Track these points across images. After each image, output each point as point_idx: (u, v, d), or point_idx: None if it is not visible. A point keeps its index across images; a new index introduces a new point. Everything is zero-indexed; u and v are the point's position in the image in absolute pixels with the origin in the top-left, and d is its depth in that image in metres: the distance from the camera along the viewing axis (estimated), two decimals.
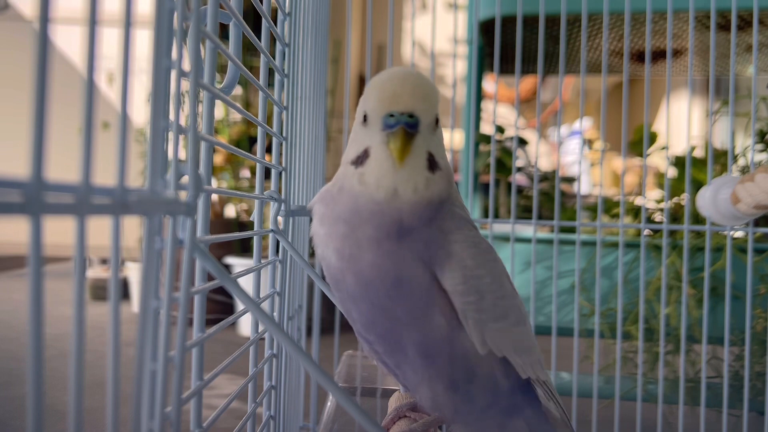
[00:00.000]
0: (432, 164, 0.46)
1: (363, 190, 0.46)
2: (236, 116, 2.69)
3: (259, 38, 0.54)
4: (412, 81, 0.45)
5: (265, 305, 0.58)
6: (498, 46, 1.00)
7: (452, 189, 0.49)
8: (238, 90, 2.55)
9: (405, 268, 0.45)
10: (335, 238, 0.47)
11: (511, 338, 0.48)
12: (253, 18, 0.54)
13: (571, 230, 1.26)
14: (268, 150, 1.28)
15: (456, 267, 0.46)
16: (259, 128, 0.57)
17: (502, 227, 1.27)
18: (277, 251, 0.62)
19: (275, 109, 0.63)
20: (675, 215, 1.23)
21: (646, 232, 1.06)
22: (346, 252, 0.46)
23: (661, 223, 1.26)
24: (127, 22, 0.27)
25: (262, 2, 0.53)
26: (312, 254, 0.56)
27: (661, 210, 1.29)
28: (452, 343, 0.47)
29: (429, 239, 0.46)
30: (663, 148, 1.29)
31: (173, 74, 0.34)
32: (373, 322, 0.48)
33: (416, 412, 0.55)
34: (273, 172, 0.63)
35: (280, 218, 0.61)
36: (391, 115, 0.45)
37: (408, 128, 0.44)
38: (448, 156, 0.52)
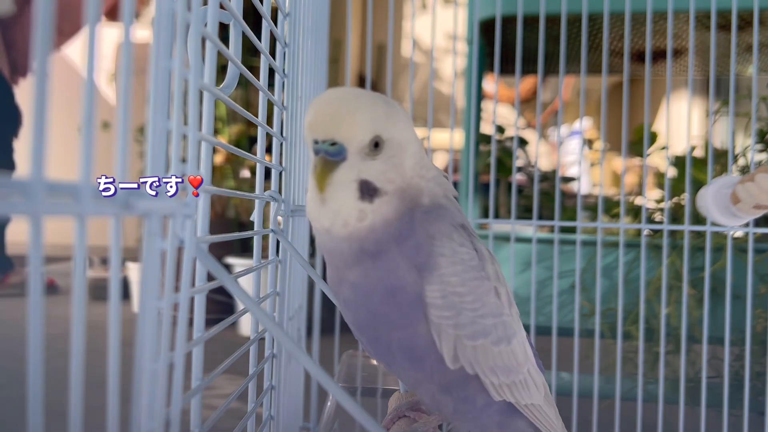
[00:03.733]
0: (369, 192, 0.43)
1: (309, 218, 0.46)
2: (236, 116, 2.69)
3: (259, 38, 0.54)
4: (335, 105, 0.42)
5: (265, 305, 0.58)
6: (498, 46, 1.00)
7: (421, 200, 0.45)
8: (237, 90, 2.55)
9: (395, 277, 0.44)
10: (324, 251, 0.47)
11: (488, 356, 0.46)
12: (253, 18, 0.54)
13: (571, 230, 1.26)
14: (268, 150, 1.28)
15: (437, 281, 0.44)
16: (259, 128, 0.57)
17: (502, 227, 1.28)
18: (277, 251, 0.62)
19: (275, 109, 0.63)
20: (675, 215, 1.23)
21: (646, 232, 1.06)
22: (336, 264, 0.47)
23: (661, 223, 1.26)
24: (128, 22, 0.27)
25: (262, 2, 0.53)
26: (312, 254, 0.56)
27: (661, 210, 1.29)
28: (437, 350, 0.46)
29: (418, 244, 0.45)
30: (663, 148, 1.29)
31: (173, 74, 0.34)
32: (365, 326, 0.48)
33: (416, 412, 0.55)
34: (273, 172, 0.63)
35: (280, 218, 0.61)
36: (316, 142, 0.42)
37: (330, 157, 0.41)
38: (447, 156, 0.52)
